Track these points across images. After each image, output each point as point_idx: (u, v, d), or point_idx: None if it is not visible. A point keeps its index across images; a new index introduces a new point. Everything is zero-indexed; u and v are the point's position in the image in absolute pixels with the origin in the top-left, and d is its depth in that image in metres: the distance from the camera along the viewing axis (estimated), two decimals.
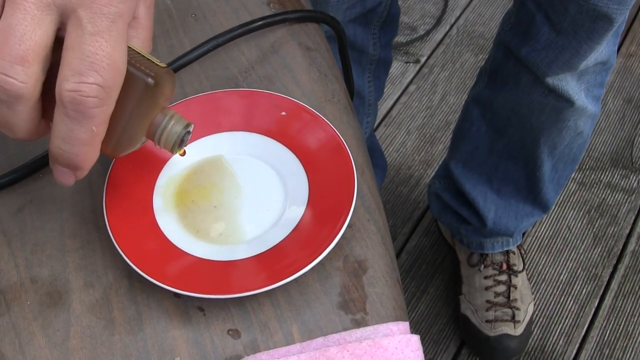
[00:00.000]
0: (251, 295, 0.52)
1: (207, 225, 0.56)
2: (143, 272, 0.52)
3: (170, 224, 0.56)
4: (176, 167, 0.59)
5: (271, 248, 0.54)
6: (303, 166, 0.58)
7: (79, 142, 0.45)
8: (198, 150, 0.60)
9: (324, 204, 0.55)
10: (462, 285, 1.64)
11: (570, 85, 1.14)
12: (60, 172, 0.48)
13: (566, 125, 1.23)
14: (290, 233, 0.54)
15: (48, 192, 0.60)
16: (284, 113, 0.61)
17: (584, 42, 1.06)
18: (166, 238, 0.55)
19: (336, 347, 0.50)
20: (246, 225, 0.56)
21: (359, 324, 0.52)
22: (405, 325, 0.52)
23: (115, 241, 0.53)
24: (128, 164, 0.58)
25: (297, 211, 0.56)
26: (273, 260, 0.53)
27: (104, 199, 0.56)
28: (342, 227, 0.53)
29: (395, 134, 1.96)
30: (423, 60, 2.13)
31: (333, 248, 0.53)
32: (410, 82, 2.07)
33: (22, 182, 0.60)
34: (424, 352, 0.51)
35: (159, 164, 0.59)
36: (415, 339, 0.51)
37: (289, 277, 0.51)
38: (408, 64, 2.11)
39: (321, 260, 0.52)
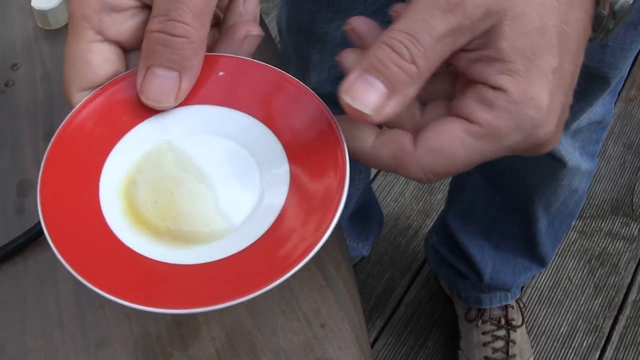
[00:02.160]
0: None
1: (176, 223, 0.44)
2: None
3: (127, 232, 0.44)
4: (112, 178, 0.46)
5: (273, 223, 0.43)
6: (266, 126, 0.47)
7: None
8: (136, 143, 0.47)
9: (310, 158, 0.45)
10: (460, 340, 1.60)
11: (562, 144, 1.11)
12: None
13: (560, 184, 1.20)
14: (287, 198, 0.44)
15: (10, 286, 0.57)
16: (221, 73, 0.49)
17: (575, 102, 1.03)
18: (121, 242, 0.43)
19: None
20: (228, 209, 0.45)
21: None
22: None
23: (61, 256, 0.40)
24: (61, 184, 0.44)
25: (281, 173, 0.45)
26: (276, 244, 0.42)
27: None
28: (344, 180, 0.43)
29: (393, 183, 1.94)
30: None
31: (304, 350, 0.50)
32: None
33: None
34: None
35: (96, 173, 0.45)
36: None
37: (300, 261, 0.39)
38: None
39: None
